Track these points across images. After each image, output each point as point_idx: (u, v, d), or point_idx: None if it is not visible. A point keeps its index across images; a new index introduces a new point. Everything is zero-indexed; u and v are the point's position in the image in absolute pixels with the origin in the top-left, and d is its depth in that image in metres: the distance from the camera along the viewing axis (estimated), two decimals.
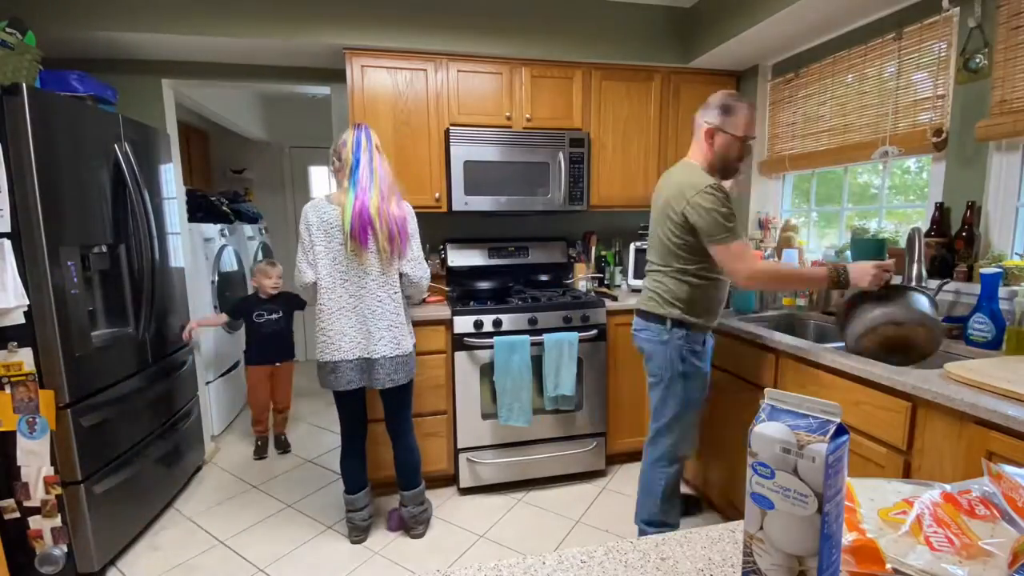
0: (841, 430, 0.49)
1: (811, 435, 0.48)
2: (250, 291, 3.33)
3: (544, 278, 3.00)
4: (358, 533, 2.17)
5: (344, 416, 2.12)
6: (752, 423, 0.53)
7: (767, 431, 0.51)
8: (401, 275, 1.99)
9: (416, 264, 2.00)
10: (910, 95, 2.07)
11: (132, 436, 2.15)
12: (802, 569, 0.50)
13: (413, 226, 2.01)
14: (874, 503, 0.65)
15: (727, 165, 1.76)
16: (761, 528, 0.52)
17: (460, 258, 2.93)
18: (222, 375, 3.32)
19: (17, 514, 1.78)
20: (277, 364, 3.04)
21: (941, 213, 1.89)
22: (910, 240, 1.71)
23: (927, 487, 0.67)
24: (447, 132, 2.57)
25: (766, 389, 0.56)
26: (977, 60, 1.79)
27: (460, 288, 2.69)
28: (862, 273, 1.61)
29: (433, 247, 3.01)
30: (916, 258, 1.69)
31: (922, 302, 1.58)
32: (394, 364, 1.97)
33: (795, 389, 1.76)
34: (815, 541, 0.48)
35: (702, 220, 1.64)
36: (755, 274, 1.67)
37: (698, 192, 1.64)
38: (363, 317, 1.94)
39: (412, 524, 2.19)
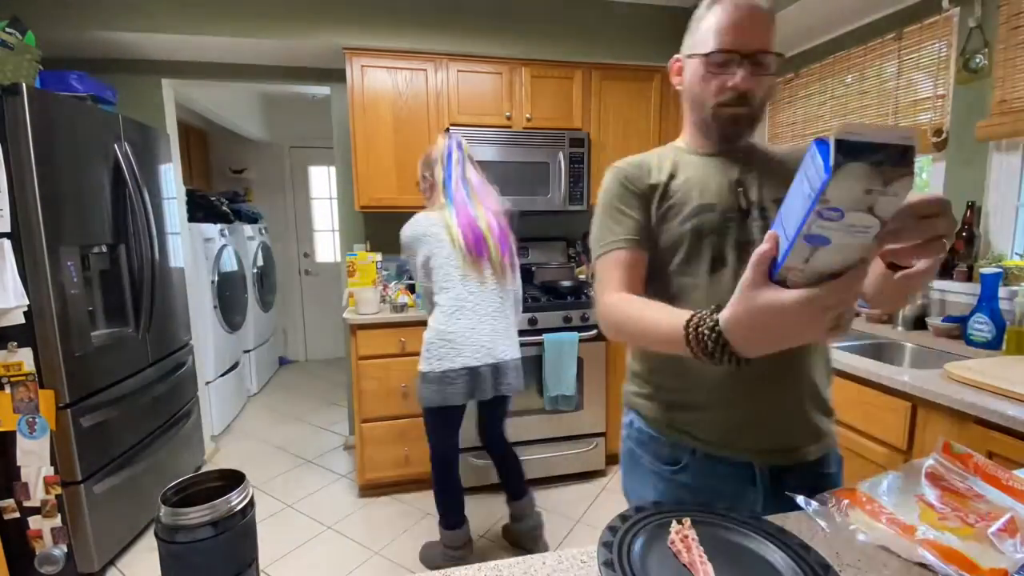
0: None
1: (896, 169, 0.43)
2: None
3: None
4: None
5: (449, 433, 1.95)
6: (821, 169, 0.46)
7: (850, 179, 0.44)
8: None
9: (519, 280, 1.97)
10: (910, 95, 2.07)
11: (132, 436, 2.14)
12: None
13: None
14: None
15: (701, 110, 0.90)
16: (807, 261, 0.50)
17: None
18: (222, 375, 3.32)
19: (17, 514, 1.77)
20: None
21: None
22: None
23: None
24: (447, 132, 2.56)
25: (836, 122, 0.49)
26: (977, 60, 1.79)
27: None
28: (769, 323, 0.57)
29: None
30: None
31: None
32: (516, 370, 1.89)
33: None
34: (857, 253, 0.49)
35: None
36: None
37: None
38: (489, 320, 1.84)
39: None
